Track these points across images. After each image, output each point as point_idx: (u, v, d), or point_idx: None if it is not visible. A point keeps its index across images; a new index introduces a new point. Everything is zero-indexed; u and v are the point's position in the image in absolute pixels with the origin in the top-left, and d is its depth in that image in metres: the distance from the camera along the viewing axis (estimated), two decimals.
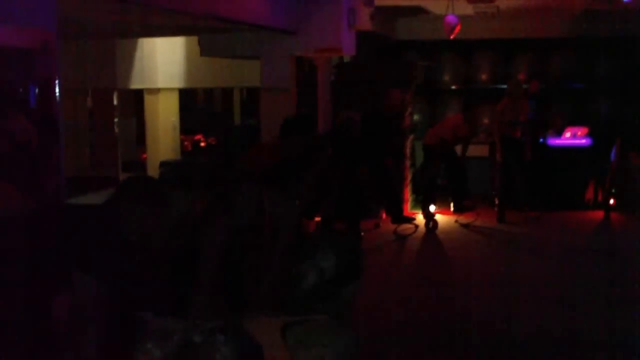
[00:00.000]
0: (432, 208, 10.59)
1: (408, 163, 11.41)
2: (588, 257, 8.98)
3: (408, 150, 11.43)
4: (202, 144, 16.62)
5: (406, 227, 10.33)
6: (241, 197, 4.87)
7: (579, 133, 11.50)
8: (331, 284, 2.65)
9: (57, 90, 5.45)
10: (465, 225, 10.63)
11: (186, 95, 15.02)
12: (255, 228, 4.84)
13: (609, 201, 10.91)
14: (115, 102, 15.09)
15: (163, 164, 13.05)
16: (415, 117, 12.33)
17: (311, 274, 2.66)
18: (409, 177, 11.44)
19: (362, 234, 9.83)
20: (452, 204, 11.24)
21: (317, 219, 9.44)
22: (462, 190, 11.19)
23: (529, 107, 10.86)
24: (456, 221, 10.81)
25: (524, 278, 8.02)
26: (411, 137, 11.55)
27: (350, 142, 9.45)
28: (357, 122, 9.73)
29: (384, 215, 10.80)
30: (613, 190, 10.97)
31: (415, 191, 11.58)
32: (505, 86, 12.77)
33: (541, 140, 11.35)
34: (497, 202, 10.98)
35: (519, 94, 10.74)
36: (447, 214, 11.14)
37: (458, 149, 11.04)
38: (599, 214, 10.94)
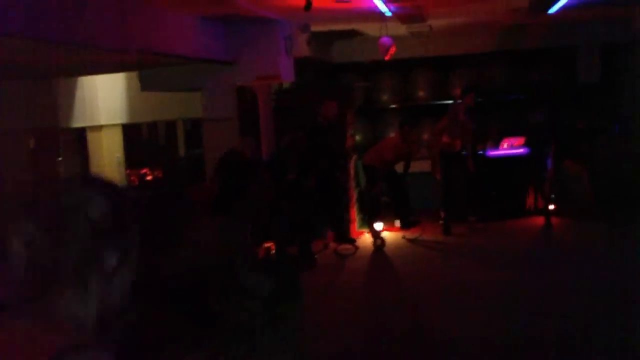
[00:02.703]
0: (378, 226, 10.75)
1: (353, 183, 11.59)
2: (530, 263, 9.24)
3: (352, 171, 11.60)
4: (149, 177, 16.56)
5: (347, 247, 10.47)
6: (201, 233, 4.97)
7: (516, 143, 11.82)
8: (270, 308, 2.73)
9: None
10: (412, 240, 10.83)
11: (130, 129, 15.00)
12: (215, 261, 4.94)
13: (548, 207, 11.22)
14: (57, 141, 15.00)
15: None
16: (357, 137, 12.53)
17: (247, 300, 2.74)
18: (355, 196, 11.61)
19: (316, 256, 9.97)
20: (398, 221, 11.43)
21: (267, 244, 9.54)
22: (406, 207, 11.42)
23: (472, 125, 11.12)
24: (403, 237, 11.01)
25: (472, 287, 8.21)
26: (354, 157, 11.74)
27: (297, 159, 9.57)
28: (301, 138, 9.85)
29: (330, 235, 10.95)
30: (552, 197, 11.28)
31: (361, 211, 11.76)
32: (443, 102, 13.14)
33: (480, 152, 11.64)
34: (442, 215, 11.21)
35: (457, 112, 11.03)
36: (394, 231, 11.33)
37: (399, 166, 11.28)
38: (540, 220, 11.24)
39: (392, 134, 11.84)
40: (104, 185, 1.67)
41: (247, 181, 6.39)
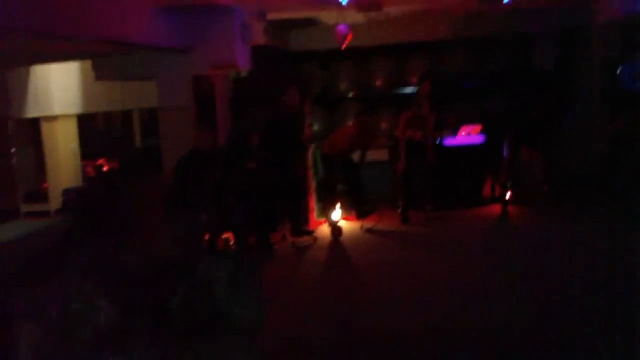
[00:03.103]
0: (336, 215, 10.76)
1: (311, 172, 11.57)
2: (487, 250, 9.31)
3: (310, 160, 11.58)
4: (105, 169, 16.38)
5: (304, 239, 10.46)
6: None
7: (473, 131, 11.88)
8: (228, 303, 2.71)
9: None
10: (369, 230, 10.85)
11: (85, 120, 14.79)
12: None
13: (505, 195, 11.31)
14: (10, 131, 14.76)
15: (66, 192, 12.90)
16: (315, 126, 12.50)
17: (204, 296, 2.72)
18: (313, 186, 11.59)
19: (274, 246, 9.94)
20: (354, 211, 11.45)
21: (226, 235, 9.49)
22: (362, 196, 11.44)
23: (434, 119, 11.17)
24: (361, 227, 11.02)
25: (430, 276, 8.24)
26: (312, 146, 11.71)
27: (250, 151, 9.52)
28: (260, 124, 9.81)
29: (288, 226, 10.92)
30: (508, 185, 11.37)
31: (319, 200, 11.75)
32: (401, 90, 13.17)
33: (437, 140, 11.68)
34: (400, 204, 11.25)
35: (422, 105, 11.06)
36: (351, 220, 11.35)
37: (356, 154, 11.31)
38: (497, 208, 11.33)
39: (349, 123, 11.80)
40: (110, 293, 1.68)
41: (205, 175, 6.35)
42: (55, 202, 13.18)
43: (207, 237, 8.64)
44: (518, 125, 11.44)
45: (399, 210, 11.25)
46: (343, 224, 10.91)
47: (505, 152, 11.32)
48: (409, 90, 13.08)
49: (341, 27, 10.97)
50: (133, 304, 1.86)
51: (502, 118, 11.85)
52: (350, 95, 13.58)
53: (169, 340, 1.72)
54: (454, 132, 11.96)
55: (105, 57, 10.34)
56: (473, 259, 8.89)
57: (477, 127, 11.87)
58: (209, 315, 2.62)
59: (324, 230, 10.83)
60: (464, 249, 9.44)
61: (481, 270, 8.28)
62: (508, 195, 11.31)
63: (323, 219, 11.29)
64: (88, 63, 11.53)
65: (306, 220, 11.07)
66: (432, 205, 11.28)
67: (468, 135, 11.87)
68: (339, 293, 7.90)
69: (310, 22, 12.59)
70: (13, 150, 14.86)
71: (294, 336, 6.44)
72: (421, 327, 6.48)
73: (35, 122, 13.70)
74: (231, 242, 9.58)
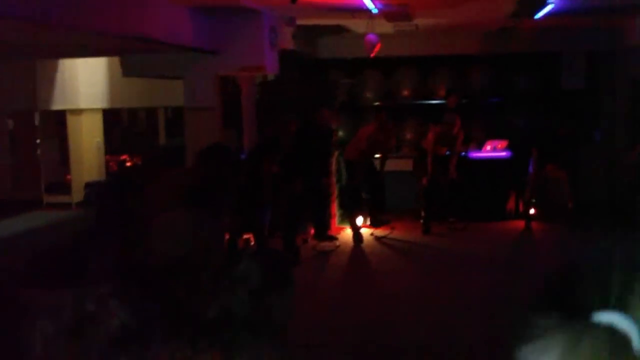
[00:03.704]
0: (359, 221, 10.76)
1: (334, 179, 11.56)
2: (508, 266, 9.24)
3: (334, 167, 11.57)
4: (128, 164, 16.46)
5: (326, 244, 10.44)
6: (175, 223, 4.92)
7: (499, 146, 11.83)
8: (260, 298, 2.70)
9: None
10: (379, 238, 10.82)
11: (110, 115, 14.89)
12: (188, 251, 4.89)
13: (529, 211, 11.23)
14: (37, 123, 14.88)
15: (88, 185, 12.97)
16: (340, 133, 12.49)
17: (237, 290, 2.71)
18: (336, 192, 11.58)
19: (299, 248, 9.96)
20: (369, 217, 11.43)
21: (247, 236, 9.49)
22: (380, 205, 11.42)
23: (462, 135, 11.15)
24: (372, 234, 11.01)
25: (449, 289, 8.20)
26: (336, 153, 11.70)
27: (277, 155, 9.52)
28: (288, 133, 9.83)
29: (312, 231, 10.91)
30: (533, 201, 11.30)
31: (342, 206, 11.73)
32: (426, 102, 13.13)
33: (462, 153, 11.63)
34: (422, 215, 11.22)
35: (454, 124, 11.03)
36: (365, 227, 11.34)
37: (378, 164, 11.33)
38: (520, 224, 11.25)
39: (367, 125, 11.78)
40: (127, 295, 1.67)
41: (229, 173, 6.32)
42: (77, 194, 13.24)
43: (227, 237, 8.63)
44: (545, 143, 11.36)
45: (421, 220, 11.21)
46: (363, 231, 10.91)
47: (530, 169, 11.24)
48: (434, 102, 13.03)
49: (370, 36, 10.94)
50: (150, 305, 1.83)
51: (529, 134, 11.77)
52: (376, 104, 13.54)
53: (194, 342, 1.69)
54: (480, 146, 11.90)
55: (133, 55, 10.38)
56: (492, 273, 8.82)
57: (503, 143, 11.81)
58: (245, 314, 2.62)
59: (346, 235, 10.80)
60: (484, 263, 9.38)
61: (500, 285, 8.21)
62: (532, 211, 11.23)
63: (344, 226, 11.26)
64: (115, 59, 11.58)
65: (329, 226, 11.06)
66: (454, 217, 11.23)
67: (494, 149, 11.81)
68: (357, 300, 7.87)
69: (339, 30, 12.57)
70: (38, 141, 14.97)
71: (307, 342, 6.41)
72: (438, 339, 6.43)
73: (61, 115, 13.79)
74: (252, 243, 9.58)
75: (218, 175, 5.87)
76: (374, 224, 11.32)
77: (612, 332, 0.87)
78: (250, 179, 8.33)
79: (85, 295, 1.72)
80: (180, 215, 5.12)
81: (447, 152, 11.17)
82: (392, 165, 11.36)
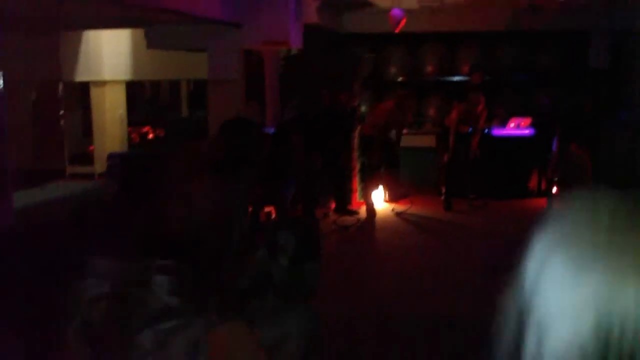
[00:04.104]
0: (374, 197, 10.73)
1: (356, 154, 11.53)
2: (526, 244, 9.19)
3: (356, 141, 11.53)
4: (150, 136, 16.52)
5: (347, 219, 10.45)
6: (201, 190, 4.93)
7: (523, 123, 11.74)
8: (293, 265, 2.73)
9: (1, 81, 5.42)
10: (399, 213, 10.81)
11: (133, 88, 14.91)
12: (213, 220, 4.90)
13: (551, 189, 11.17)
14: (60, 94, 14.94)
15: (111, 157, 13.02)
16: (363, 108, 12.45)
17: (277, 257, 2.74)
18: (357, 167, 11.56)
19: (319, 221, 9.97)
20: (386, 193, 11.42)
21: (268, 209, 9.50)
22: (396, 179, 11.40)
23: (486, 113, 11.06)
24: (392, 210, 11.00)
25: (467, 265, 8.19)
26: (359, 128, 11.66)
27: (309, 131, 9.50)
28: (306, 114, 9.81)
29: (332, 205, 10.91)
30: (555, 179, 11.22)
31: (362, 181, 11.71)
32: (450, 78, 13.04)
33: (486, 130, 11.56)
34: (443, 191, 11.19)
35: (478, 102, 10.94)
36: (383, 202, 11.33)
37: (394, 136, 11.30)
38: (542, 202, 11.18)
39: (386, 101, 11.72)
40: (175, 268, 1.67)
41: (254, 145, 6.32)
42: (100, 165, 13.31)
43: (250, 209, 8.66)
44: (569, 121, 11.26)
45: (442, 197, 11.18)
46: (382, 206, 10.91)
47: (554, 147, 11.15)
48: (458, 78, 12.94)
49: (396, 11, 10.88)
50: (182, 276, 1.84)
51: (554, 113, 11.67)
52: (400, 80, 13.47)
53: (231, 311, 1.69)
54: (503, 123, 11.82)
55: (157, 27, 10.37)
56: (513, 250, 8.77)
57: (527, 120, 11.72)
58: (283, 281, 2.66)
59: (364, 211, 10.79)
60: (504, 241, 9.33)
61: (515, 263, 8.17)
62: (554, 189, 11.15)
63: (364, 201, 11.26)
64: (139, 31, 11.57)
65: (349, 201, 11.06)
66: (474, 194, 11.19)
67: (517, 127, 11.73)
68: (376, 274, 7.87)
69: (364, 4, 12.50)
70: (61, 112, 15.04)
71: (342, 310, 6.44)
72: (457, 314, 6.43)
73: (85, 87, 13.83)
74: (273, 217, 9.60)
75: (243, 148, 5.88)
76: (392, 199, 11.31)
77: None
78: (276, 152, 8.32)
79: (129, 264, 1.72)
80: (206, 185, 5.14)
81: (470, 130, 11.08)
82: (414, 141, 11.31)
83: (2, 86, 5.38)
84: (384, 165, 11.17)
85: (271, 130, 9.56)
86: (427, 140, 11.96)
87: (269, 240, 2.75)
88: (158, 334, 1.59)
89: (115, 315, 1.61)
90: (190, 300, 1.62)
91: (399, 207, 11.07)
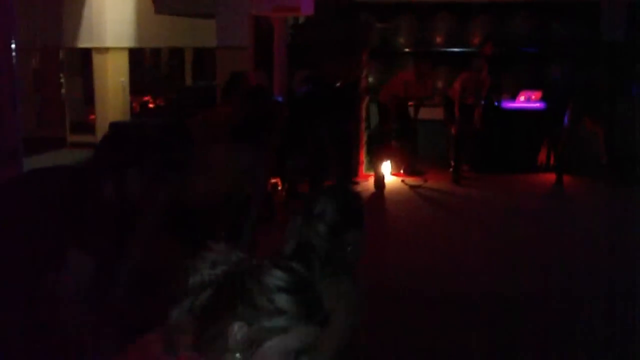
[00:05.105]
0: (384, 168, 10.55)
1: (363, 125, 11.36)
2: (536, 218, 9.09)
3: (364, 112, 11.36)
4: (151, 105, 16.30)
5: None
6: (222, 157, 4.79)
7: (533, 97, 11.57)
8: (333, 234, 2.57)
9: (12, 45, 5.24)
10: (413, 187, 10.66)
11: (133, 56, 14.66)
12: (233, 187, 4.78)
13: (561, 164, 11.01)
14: (60, 60, 14.72)
15: (113, 125, 12.82)
16: (370, 79, 12.24)
17: (312, 225, 2.58)
18: (364, 139, 11.40)
19: None
20: (404, 166, 11.27)
21: (273, 180, 9.35)
22: (413, 153, 11.26)
23: (489, 82, 10.90)
24: (403, 181, 10.86)
25: (472, 238, 8.12)
26: (367, 98, 11.48)
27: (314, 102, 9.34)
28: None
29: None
30: (565, 154, 11.07)
31: (369, 152, 11.55)
32: (460, 49, 12.83)
33: (495, 103, 11.39)
34: (452, 164, 11.05)
35: (481, 69, 10.78)
36: (397, 175, 11.17)
37: (412, 111, 11.12)
38: (551, 177, 11.05)
39: (406, 70, 11.53)
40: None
41: (272, 114, 6.21)
42: (101, 134, 13.12)
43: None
44: (582, 95, 11.08)
45: (451, 169, 11.04)
46: (391, 179, 10.76)
47: (565, 121, 10.98)
48: (468, 49, 12.72)
49: None
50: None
51: (565, 86, 11.47)
52: (408, 50, 13.25)
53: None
54: (513, 96, 11.65)
55: None
56: (520, 225, 8.68)
57: (538, 93, 11.54)
58: (321, 252, 2.50)
59: (370, 184, 10.61)
60: (513, 215, 9.23)
61: (527, 237, 8.08)
62: (564, 164, 11.00)
63: (371, 173, 11.09)
64: None
65: (355, 173, 10.89)
66: (468, 168, 11.24)
67: (527, 100, 11.55)
68: (382, 246, 7.73)
69: None
70: (62, 80, 14.83)
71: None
72: (469, 292, 6.32)
73: (86, 53, 13.60)
74: (279, 188, 9.46)
75: (262, 115, 5.76)
76: (408, 172, 11.16)
77: None
78: (292, 123, 8.15)
79: (244, 255, 1.63)
80: (227, 153, 4.99)
81: (473, 103, 10.93)
82: (424, 113, 11.14)
83: (15, 54, 5.22)
84: (399, 138, 11.02)
85: (279, 99, 9.39)
86: (435, 113, 11.77)
87: (307, 209, 2.61)
88: (254, 331, 1.48)
89: (217, 304, 1.52)
90: (300, 303, 1.51)
91: (412, 180, 10.90)
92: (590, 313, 5.79)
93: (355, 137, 10.92)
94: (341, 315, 2.33)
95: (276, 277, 1.52)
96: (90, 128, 13.67)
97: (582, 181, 11.04)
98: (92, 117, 13.91)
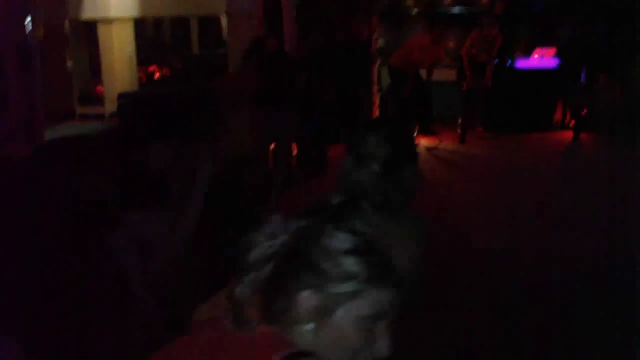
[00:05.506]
0: None
1: (375, 88, 11.22)
2: (554, 177, 9.00)
3: (375, 76, 11.22)
4: (157, 75, 16.15)
5: None
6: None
7: (547, 54, 11.40)
8: (387, 170, 2.44)
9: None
10: (428, 149, 10.56)
11: (138, 26, 14.47)
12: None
13: (578, 122, 10.88)
14: (66, 32, 14.55)
15: (122, 96, 12.71)
16: (380, 41, 12.09)
17: (368, 164, 2.45)
18: (377, 102, 11.27)
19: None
20: (417, 127, 11.17)
21: None
22: (428, 113, 11.13)
23: (500, 40, 10.72)
24: (418, 143, 10.79)
25: (491, 198, 8.06)
26: (378, 61, 11.33)
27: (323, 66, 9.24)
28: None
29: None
30: (582, 112, 10.93)
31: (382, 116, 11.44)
32: (469, 8, 12.65)
33: (509, 61, 11.22)
34: (459, 122, 10.94)
35: (490, 26, 10.61)
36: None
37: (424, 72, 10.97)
38: (568, 134, 10.92)
39: (418, 35, 11.37)
40: None
41: (293, 78, 6.15)
42: (110, 105, 13.01)
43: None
44: (597, 52, 10.90)
45: (459, 129, 10.95)
46: None
47: (582, 79, 10.81)
48: (478, 9, 12.54)
49: None
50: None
51: (580, 43, 11.28)
52: (417, 11, 13.08)
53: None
54: (527, 54, 11.48)
55: None
56: (536, 182, 8.58)
57: (551, 50, 11.37)
58: (374, 191, 2.37)
59: None
60: (527, 175, 9.13)
61: (547, 195, 7.97)
62: (581, 123, 10.87)
63: None
64: None
65: None
66: (481, 126, 11.22)
67: (541, 58, 11.38)
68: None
69: None
70: (68, 51, 14.67)
71: None
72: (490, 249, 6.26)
73: (92, 25, 13.45)
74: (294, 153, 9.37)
75: (284, 79, 5.69)
76: (422, 133, 11.05)
77: None
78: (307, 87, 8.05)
79: (305, 221, 1.54)
80: (255, 114, 4.92)
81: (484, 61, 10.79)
82: (438, 75, 11.00)
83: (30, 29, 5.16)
84: (413, 99, 10.89)
85: None
86: (448, 74, 11.63)
87: (356, 148, 2.47)
88: (324, 298, 1.39)
89: (282, 275, 1.42)
90: (369, 264, 1.41)
91: (427, 141, 10.78)
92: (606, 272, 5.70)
93: (366, 100, 10.80)
94: (405, 253, 2.23)
95: (340, 240, 1.42)
96: (98, 100, 13.58)
97: (598, 138, 10.91)
98: (100, 88, 13.80)
